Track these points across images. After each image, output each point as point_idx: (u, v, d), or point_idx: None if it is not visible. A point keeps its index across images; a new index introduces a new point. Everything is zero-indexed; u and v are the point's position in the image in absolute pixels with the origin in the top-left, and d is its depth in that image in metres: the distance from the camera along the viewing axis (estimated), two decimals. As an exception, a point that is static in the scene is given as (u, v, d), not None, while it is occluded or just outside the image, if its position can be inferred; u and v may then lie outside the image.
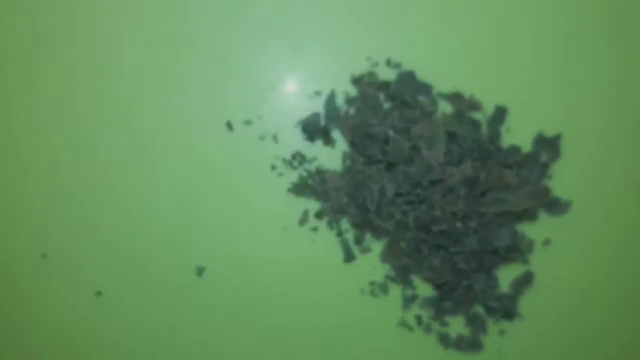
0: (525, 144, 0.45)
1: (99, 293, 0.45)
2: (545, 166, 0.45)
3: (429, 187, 0.41)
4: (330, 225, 0.45)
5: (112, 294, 0.45)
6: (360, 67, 0.44)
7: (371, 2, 0.44)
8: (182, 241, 0.44)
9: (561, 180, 0.46)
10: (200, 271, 0.44)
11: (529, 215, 0.44)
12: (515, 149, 0.44)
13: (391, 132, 0.41)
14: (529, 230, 0.46)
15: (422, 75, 0.44)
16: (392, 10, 0.44)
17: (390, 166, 0.42)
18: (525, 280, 0.46)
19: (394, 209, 0.43)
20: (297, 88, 0.44)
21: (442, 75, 0.44)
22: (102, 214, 0.44)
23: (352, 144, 0.43)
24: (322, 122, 0.44)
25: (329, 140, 0.44)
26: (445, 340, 0.46)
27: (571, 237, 0.46)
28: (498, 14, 0.45)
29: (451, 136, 0.42)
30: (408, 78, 0.43)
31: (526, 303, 0.46)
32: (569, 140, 0.45)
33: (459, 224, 0.42)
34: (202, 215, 0.44)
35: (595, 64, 0.45)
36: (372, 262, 0.45)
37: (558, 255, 0.46)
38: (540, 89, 0.45)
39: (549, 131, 0.45)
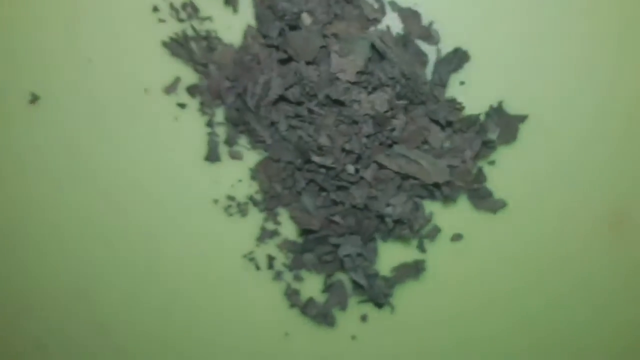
0: (476, 111, 0.35)
1: None
2: (490, 145, 0.35)
3: (326, 106, 0.33)
4: (202, 108, 0.36)
5: None
6: None
7: None
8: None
9: (506, 171, 0.36)
10: (34, 99, 0.37)
11: (442, 194, 0.35)
12: (456, 106, 0.34)
13: (307, 19, 0.32)
14: (443, 215, 0.37)
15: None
16: None
17: (288, 60, 0.33)
18: (412, 269, 0.38)
19: (279, 117, 0.34)
20: None
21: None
22: None
23: (258, 18, 0.34)
24: (235, -25, 0.34)
25: (232, 0, 0.34)
26: (292, 297, 0.39)
27: (491, 242, 0.37)
28: None
29: (380, 56, 0.32)
30: (362, -38, 0.33)
31: (405, 296, 0.38)
32: (536, 128, 0.36)
33: (350, 168, 0.33)
34: (57, 38, 0.36)
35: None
36: (240, 174, 0.37)
37: (465, 256, 0.38)
38: (527, 53, 0.35)
39: (514, 108, 0.35)
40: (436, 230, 0.37)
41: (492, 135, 0.36)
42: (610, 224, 0.37)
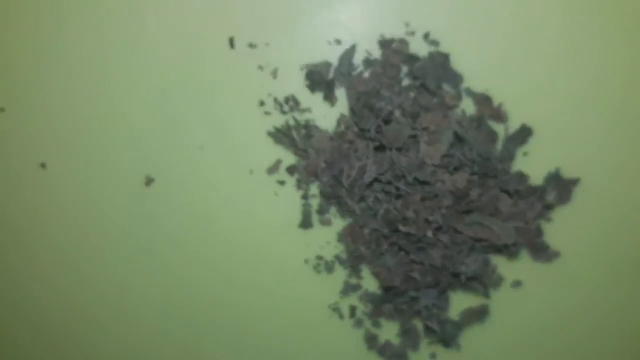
0: (537, 177, 0.41)
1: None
2: (549, 207, 0.41)
3: (413, 185, 0.38)
4: (299, 185, 0.42)
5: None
6: (395, 31, 0.40)
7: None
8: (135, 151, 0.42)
9: (560, 226, 0.42)
10: (149, 182, 0.42)
11: (509, 251, 0.41)
12: (522, 177, 0.40)
13: (397, 113, 0.38)
14: (503, 264, 0.43)
15: (458, 64, 0.40)
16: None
17: (381, 148, 0.38)
18: (478, 314, 0.44)
19: (368, 193, 0.40)
20: (319, 28, 0.40)
21: (479, 72, 0.40)
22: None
23: (352, 110, 0.39)
24: (331, 74, 0.40)
25: (330, 96, 0.40)
26: (371, 341, 0.44)
27: (547, 288, 0.43)
28: (570, 39, 0.40)
29: (459, 140, 0.38)
30: (440, 60, 0.39)
31: (470, 337, 0.44)
32: (585, 189, 0.42)
33: (429, 234, 0.39)
34: (169, 128, 0.42)
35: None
36: (328, 238, 0.43)
37: (524, 301, 0.44)
38: (578, 124, 0.41)
39: (568, 172, 0.41)
40: (499, 279, 0.43)
41: (550, 198, 0.42)
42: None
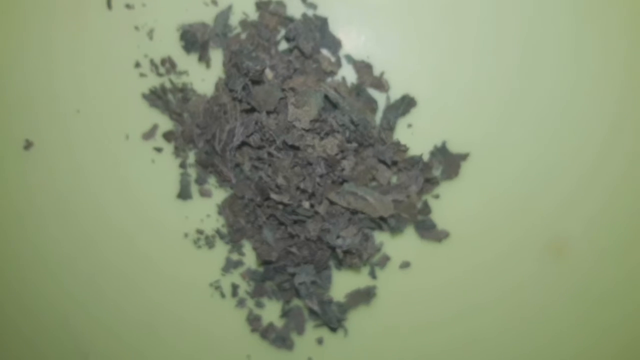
0: (424, 150, 0.41)
1: None
2: (433, 181, 0.41)
3: (283, 150, 0.38)
4: (176, 152, 0.41)
5: None
6: (273, -7, 0.40)
7: None
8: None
9: (449, 204, 0.42)
10: (28, 145, 0.42)
11: (390, 226, 0.40)
12: (401, 147, 0.39)
13: (269, 74, 0.38)
14: (393, 245, 0.42)
15: (338, 30, 0.40)
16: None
17: (250, 110, 0.38)
18: (364, 295, 0.42)
19: (242, 160, 0.39)
20: (195, -12, 0.40)
21: (362, 39, 0.40)
22: None
23: (225, 72, 0.39)
24: (207, 35, 0.40)
25: (205, 57, 0.40)
26: (254, 323, 0.43)
27: (436, 269, 0.42)
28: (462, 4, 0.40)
29: (333, 105, 0.38)
30: (317, 23, 0.39)
31: (358, 320, 0.43)
32: (476, 165, 0.41)
33: (306, 204, 0.39)
34: (46, 90, 0.42)
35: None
36: (208, 210, 0.42)
37: (414, 282, 0.43)
38: (467, 97, 0.41)
39: (458, 147, 0.41)
40: (386, 259, 0.42)
41: (437, 172, 0.41)
42: (551, 251, 0.43)
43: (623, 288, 0.43)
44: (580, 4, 0.40)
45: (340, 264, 0.41)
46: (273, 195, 0.38)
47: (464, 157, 0.41)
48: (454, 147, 0.41)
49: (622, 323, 0.43)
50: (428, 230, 0.42)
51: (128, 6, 0.40)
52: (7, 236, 0.44)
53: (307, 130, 0.37)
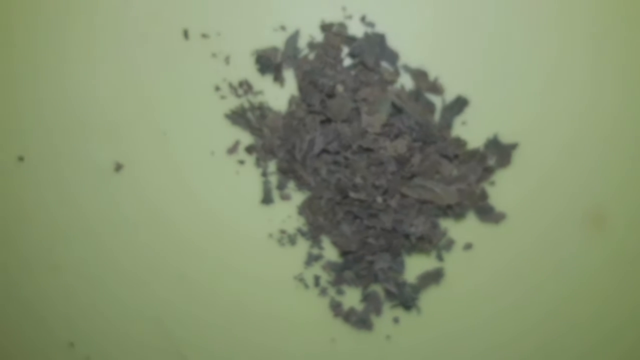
0: (478, 143, 0.46)
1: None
2: (489, 170, 0.46)
3: (358, 153, 0.43)
4: (257, 163, 0.47)
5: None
6: (334, 16, 0.45)
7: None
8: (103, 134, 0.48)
9: (504, 189, 0.47)
10: (118, 167, 0.48)
11: (454, 212, 0.46)
12: (460, 142, 0.45)
13: (340, 88, 0.43)
14: (456, 230, 0.48)
15: (395, 44, 0.45)
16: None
17: (327, 121, 0.43)
18: (433, 276, 0.48)
19: (320, 165, 0.45)
20: (264, 17, 0.45)
21: (416, 50, 0.45)
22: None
23: (300, 89, 0.45)
24: (279, 58, 0.45)
25: (279, 78, 0.45)
26: (336, 309, 0.49)
27: (496, 248, 0.48)
28: (500, 13, 0.46)
29: (398, 110, 0.43)
30: (376, 39, 0.44)
31: (429, 299, 0.49)
32: (525, 153, 0.47)
33: (379, 199, 0.44)
34: (135, 116, 0.47)
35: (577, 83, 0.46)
36: (289, 212, 0.48)
37: (477, 262, 0.48)
38: (512, 93, 0.46)
39: (508, 138, 0.46)
40: (451, 242, 0.48)
41: (491, 162, 0.47)
42: (592, 223, 0.48)
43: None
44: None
45: (412, 249, 0.47)
46: (352, 194, 0.44)
47: (514, 146, 0.46)
48: (505, 139, 0.46)
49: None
50: (487, 213, 0.47)
51: (204, 36, 0.46)
52: (107, 245, 0.50)
53: (379, 134, 0.43)
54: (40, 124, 0.48)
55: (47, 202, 0.49)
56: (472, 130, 0.46)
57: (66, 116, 0.48)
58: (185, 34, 0.46)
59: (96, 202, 0.49)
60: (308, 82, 0.43)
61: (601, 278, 0.49)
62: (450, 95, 0.46)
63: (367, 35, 0.44)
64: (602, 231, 0.48)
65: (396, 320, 0.49)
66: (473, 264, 0.48)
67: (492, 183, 0.47)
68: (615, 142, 0.47)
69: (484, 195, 0.47)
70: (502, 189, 0.47)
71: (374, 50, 0.44)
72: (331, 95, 0.43)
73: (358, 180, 0.43)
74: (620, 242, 0.48)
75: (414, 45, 0.45)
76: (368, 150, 0.43)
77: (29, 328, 0.52)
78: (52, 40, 0.47)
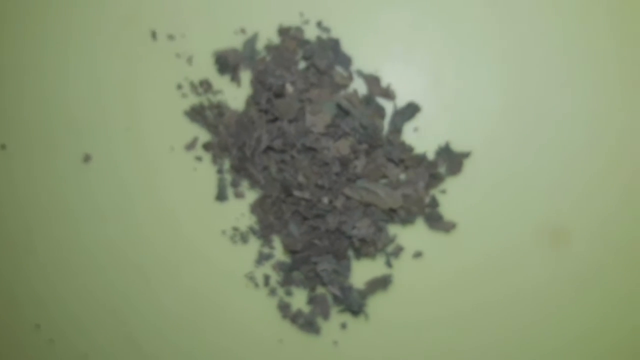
0: (431, 150, 0.47)
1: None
2: (438, 177, 0.47)
3: (303, 152, 0.45)
4: (214, 160, 0.49)
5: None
6: (291, 20, 0.47)
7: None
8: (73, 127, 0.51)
9: (455, 198, 0.47)
10: (87, 158, 0.51)
11: (400, 217, 0.46)
12: (406, 147, 0.46)
13: (289, 88, 0.45)
14: (406, 237, 0.48)
15: (350, 49, 0.47)
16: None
17: (274, 120, 0.45)
18: (381, 282, 0.49)
19: (270, 163, 0.46)
20: (226, 20, 0.48)
21: (371, 56, 0.47)
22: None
23: (254, 89, 0.47)
24: (237, 59, 0.48)
25: (236, 78, 0.48)
26: (284, 310, 0.50)
27: (446, 257, 0.48)
28: (456, 15, 0.47)
29: (345, 112, 0.45)
30: (330, 44, 0.46)
31: (377, 306, 0.49)
32: (477, 162, 0.47)
33: (325, 200, 0.45)
34: (101, 111, 0.50)
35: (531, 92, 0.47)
36: (242, 209, 0.50)
37: (426, 270, 0.48)
38: (466, 102, 0.47)
39: (460, 146, 0.47)
40: (399, 249, 0.48)
41: (442, 169, 0.47)
42: (549, 236, 0.48)
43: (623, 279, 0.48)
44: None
45: (357, 254, 0.48)
46: (295, 192, 0.45)
47: (466, 155, 0.47)
48: (456, 147, 0.47)
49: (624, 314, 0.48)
50: (436, 221, 0.47)
51: (170, 37, 0.49)
52: (76, 231, 0.52)
53: (323, 134, 0.44)
54: (21, 116, 0.52)
55: (24, 187, 0.53)
56: (424, 138, 0.47)
57: (43, 109, 0.52)
58: (153, 35, 0.49)
59: (67, 190, 0.52)
60: (259, 81, 0.45)
61: (553, 290, 0.48)
62: (402, 101, 0.47)
63: (320, 39, 0.46)
64: (556, 244, 0.47)
65: (343, 325, 0.50)
66: (422, 272, 0.48)
67: (443, 191, 0.47)
68: (571, 154, 0.47)
69: (434, 203, 0.47)
70: (453, 198, 0.47)
71: (326, 53, 0.46)
72: (279, 94, 0.45)
73: (301, 178, 0.45)
74: (575, 254, 0.47)
75: (369, 51, 0.47)
76: (312, 149, 0.45)
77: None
78: (30, 40, 0.51)
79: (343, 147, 0.44)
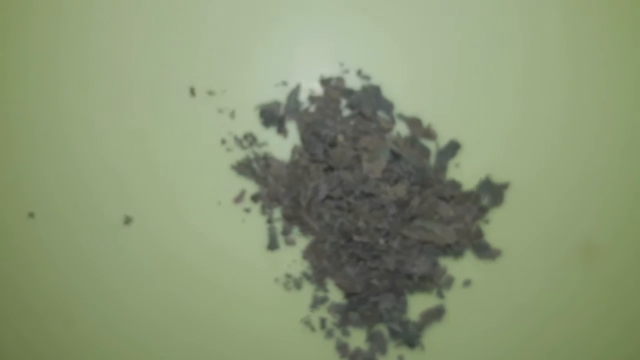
0: (471, 184, 0.50)
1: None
2: (484, 209, 0.50)
3: (360, 198, 0.47)
4: (263, 210, 0.50)
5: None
6: (332, 71, 0.49)
7: (359, 12, 0.49)
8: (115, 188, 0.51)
9: (498, 227, 0.51)
10: (128, 220, 0.50)
11: (453, 251, 0.49)
12: (456, 184, 0.49)
13: (341, 138, 0.47)
14: (455, 267, 0.51)
15: (389, 94, 0.49)
16: (377, 24, 0.49)
17: (330, 169, 0.47)
18: (435, 314, 0.51)
19: (323, 210, 0.48)
20: (267, 73, 0.49)
21: (409, 99, 0.50)
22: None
23: (302, 139, 0.48)
24: (281, 111, 0.49)
25: (282, 130, 0.49)
26: (342, 350, 0.51)
27: (494, 283, 0.51)
28: (484, 57, 0.50)
29: (396, 156, 0.47)
30: (373, 91, 0.49)
31: (432, 336, 0.52)
32: (516, 192, 0.51)
33: (381, 241, 0.47)
34: (144, 171, 0.50)
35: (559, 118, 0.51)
36: (294, 256, 0.51)
37: (476, 297, 0.51)
38: (502, 136, 0.51)
39: (500, 178, 0.50)
40: (450, 280, 0.51)
41: (484, 202, 0.50)
42: (582, 256, 0.52)
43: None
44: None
45: (415, 289, 0.50)
46: (355, 237, 0.47)
47: (505, 186, 0.50)
48: (497, 179, 0.50)
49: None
50: (483, 250, 0.51)
51: (210, 93, 0.49)
52: (120, 297, 0.52)
53: (380, 180, 0.46)
54: (50, 180, 0.51)
55: (58, 258, 0.51)
56: (465, 172, 0.50)
57: (76, 172, 0.51)
58: (192, 92, 0.49)
59: (106, 256, 0.51)
60: (311, 133, 0.47)
61: (596, 307, 0.52)
62: (443, 140, 0.50)
63: (364, 88, 0.48)
64: (594, 262, 0.51)
65: (401, 358, 0.52)
66: (473, 300, 0.51)
67: (487, 221, 0.50)
68: (602, 178, 0.51)
69: (479, 234, 0.50)
70: (496, 227, 0.51)
71: (370, 101, 0.48)
72: (333, 144, 0.46)
73: (361, 224, 0.47)
74: (612, 272, 0.52)
75: (408, 95, 0.49)
76: (370, 195, 0.46)
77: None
78: (65, 99, 0.50)
79: (400, 190, 0.46)
